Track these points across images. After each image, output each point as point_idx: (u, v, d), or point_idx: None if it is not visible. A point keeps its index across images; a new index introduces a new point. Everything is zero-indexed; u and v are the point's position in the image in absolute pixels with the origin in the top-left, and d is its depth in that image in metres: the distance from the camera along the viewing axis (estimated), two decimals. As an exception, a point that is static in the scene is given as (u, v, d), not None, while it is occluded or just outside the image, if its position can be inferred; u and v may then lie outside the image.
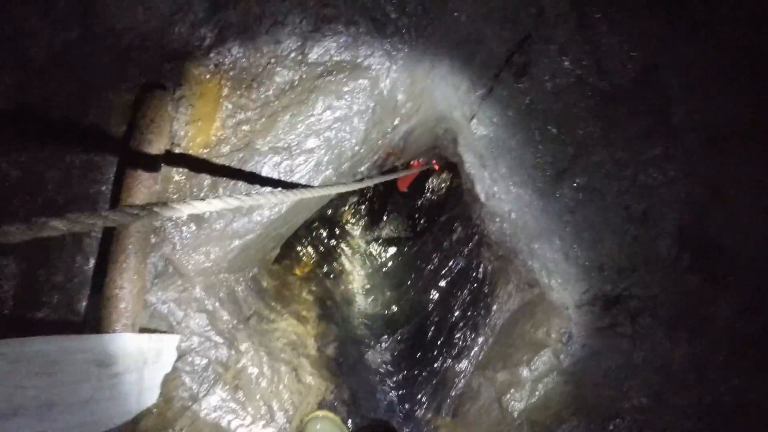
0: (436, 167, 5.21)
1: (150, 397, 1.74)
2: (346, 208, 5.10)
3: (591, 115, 1.61)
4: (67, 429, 1.25)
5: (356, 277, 4.57)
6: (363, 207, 5.27)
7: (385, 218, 5.34)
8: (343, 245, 4.73)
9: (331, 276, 4.23)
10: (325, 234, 4.56)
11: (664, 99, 1.45)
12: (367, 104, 2.09)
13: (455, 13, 1.87)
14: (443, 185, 5.47)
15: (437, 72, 2.13)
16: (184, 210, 1.31)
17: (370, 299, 4.35)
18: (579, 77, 1.57)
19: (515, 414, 2.43)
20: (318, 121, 2.08)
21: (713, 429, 1.67)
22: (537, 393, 2.39)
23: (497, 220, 2.73)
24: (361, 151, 2.25)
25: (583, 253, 2.11)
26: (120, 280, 1.70)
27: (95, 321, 1.67)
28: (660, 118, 1.49)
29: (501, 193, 2.39)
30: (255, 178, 2.03)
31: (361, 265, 4.76)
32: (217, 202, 1.45)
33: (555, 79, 1.62)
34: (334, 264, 4.42)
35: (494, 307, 3.05)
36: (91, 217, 1.04)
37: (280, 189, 2.00)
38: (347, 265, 4.59)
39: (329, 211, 4.71)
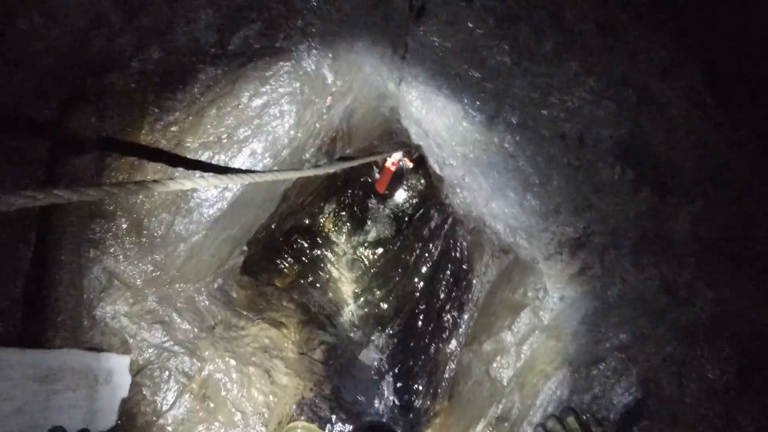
0: (410, 163, 5.20)
1: (105, 420, 1.65)
2: (327, 216, 5.05)
3: (495, 42, 1.57)
4: None
5: (344, 282, 4.48)
6: (344, 214, 5.22)
7: (368, 222, 5.29)
8: (327, 253, 4.65)
9: (317, 285, 4.14)
10: (306, 245, 4.49)
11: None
12: (293, 86, 2.07)
13: (358, -22, 1.87)
14: (422, 180, 5.43)
15: (360, 44, 2.12)
16: (115, 191, 1.27)
17: (360, 301, 4.25)
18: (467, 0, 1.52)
19: (504, 381, 2.30)
20: (246, 110, 2.05)
21: (694, 349, 1.56)
22: (522, 355, 2.27)
23: (457, 190, 2.66)
24: (299, 135, 2.21)
25: (536, 200, 2.04)
26: (53, 293, 1.64)
27: (35, 338, 1.61)
28: (558, 26, 1.44)
29: (449, 158, 2.34)
30: (189, 175, 1.99)
31: (348, 269, 4.68)
32: (154, 185, 1.41)
33: (447, 7, 1.58)
34: (320, 273, 4.34)
35: (474, 282, 2.95)
36: (19, 198, 1.00)
37: (212, 174, 1.95)
38: (334, 272, 4.51)
39: (307, 221, 4.66)
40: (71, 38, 2.00)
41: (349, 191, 5.39)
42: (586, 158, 1.68)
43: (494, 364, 2.38)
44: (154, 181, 1.44)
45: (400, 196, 5.48)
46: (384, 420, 2.87)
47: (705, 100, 1.33)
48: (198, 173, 1.95)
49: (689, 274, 1.62)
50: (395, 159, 5.04)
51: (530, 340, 2.28)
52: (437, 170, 2.63)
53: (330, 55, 2.09)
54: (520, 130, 1.78)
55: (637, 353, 1.75)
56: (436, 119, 2.13)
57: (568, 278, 2.15)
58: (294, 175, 2.26)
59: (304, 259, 4.32)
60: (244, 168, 2.07)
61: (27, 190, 1.06)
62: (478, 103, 1.76)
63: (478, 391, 2.52)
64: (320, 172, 2.53)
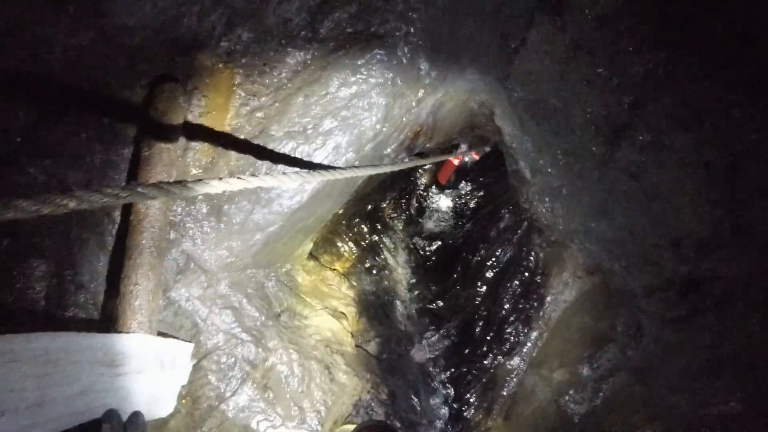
0: (477, 156, 4.89)
1: (164, 407, 1.67)
2: (387, 202, 4.93)
3: (651, 46, 1.29)
4: (57, 420, 1.19)
5: (400, 272, 4.39)
6: (404, 201, 5.07)
7: (427, 211, 5.12)
8: (385, 240, 4.57)
9: (374, 271, 4.08)
10: (366, 230, 4.42)
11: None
12: (385, 76, 1.91)
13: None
14: (488, 173, 5.12)
15: (463, 30, 1.89)
16: (198, 189, 1.20)
17: (414, 294, 4.15)
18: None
19: (576, 418, 2.11)
20: (333, 100, 1.93)
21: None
22: (601, 394, 2.06)
23: (547, 199, 2.41)
24: (384, 129, 2.06)
25: (652, 229, 1.77)
26: (134, 277, 1.65)
27: (111, 319, 1.64)
28: (743, 39, 1.15)
29: (548, 165, 2.09)
30: (272, 166, 1.92)
31: (405, 259, 4.57)
32: (234, 181, 1.32)
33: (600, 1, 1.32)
34: (377, 259, 4.27)
35: (548, 299, 2.73)
36: (101, 196, 0.96)
37: (296, 170, 1.87)
38: (390, 260, 4.42)
39: (369, 207, 4.57)
40: (162, 15, 1.94)
41: (412, 178, 5.22)
42: (732, 195, 1.39)
43: (566, 397, 2.19)
44: (238, 178, 1.35)
45: (465, 188, 5.21)
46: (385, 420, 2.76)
47: None
48: (281, 168, 1.87)
49: None
50: (459, 155, 4.76)
51: (612, 379, 2.06)
52: (527, 175, 2.38)
53: (429, 44, 1.89)
54: (652, 150, 1.51)
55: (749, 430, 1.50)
56: (543, 122, 1.88)
57: (671, 320, 1.88)
58: (372, 172, 2.11)
59: (363, 243, 4.26)
60: (325, 162, 1.96)
61: (110, 187, 1.00)
62: (604, 113, 1.50)
63: (542, 419, 2.36)
64: (396, 168, 2.37)
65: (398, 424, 2.36)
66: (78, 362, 1.25)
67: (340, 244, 3.91)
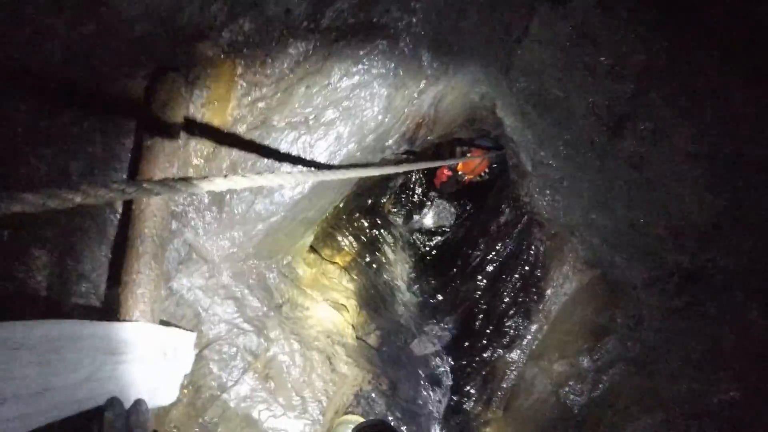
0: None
1: (166, 395, 1.67)
2: (388, 197, 4.93)
3: (655, 33, 1.29)
4: (60, 407, 1.19)
5: (400, 266, 4.40)
6: (404, 196, 5.08)
7: (428, 206, 5.12)
8: (385, 234, 4.57)
9: (374, 265, 4.09)
10: (366, 224, 4.42)
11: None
12: (387, 67, 1.91)
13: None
14: (488, 169, 5.12)
15: (466, 21, 1.89)
16: (203, 186, 1.20)
17: (414, 288, 4.16)
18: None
19: (575, 409, 2.13)
20: (335, 90, 1.93)
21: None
22: (600, 386, 2.07)
23: (548, 191, 2.42)
24: (386, 120, 2.06)
25: (653, 219, 1.78)
26: (137, 265, 1.65)
27: (113, 307, 1.64)
28: (745, 25, 1.15)
29: (549, 157, 2.10)
30: (274, 156, 1.92)
31: (405, 253, 4.58)
32: (238, 180, 1.32)
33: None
34: (377, 253, 4.28)
35: (548, 292, 2.73)
36: (107, 191, 0.96)
37: (300, 169, 1.87)
38: (390, 254, 4.43)
39: (369, 201, 4.58)
40: (163, 6, 1.94)
41: (411, 174, 5.22)
42: (737, 183, 1.40)
43: (565, 389, 2.20)
44: (243, 176, 1.35)
45: (466, 184, 5.21)
46: (384, 419, 2.77)
47: None
48: (283, 159, 1.87)
49: None
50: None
51: (612, 371, 2.07)
52: (528, 167, 2.39)
53: (431, 35, 1.89)
54: (654, 139, 1.51)
55: (752, 419, 1.51)
56: (545, 113, 1.89)
57: (671, 311, 1.89)
58: (375, 173, 2.11)
59: (363, 238, 4.27)
60: (327, 152, 1.97)
61: (116, 183, 1.00)
62: (606, 103, 1.51)
63: (541, 411, 2.37)
64: (400, 170, 2.37)
65: (399, 415, 2.38)
66: (80, 350, 1.25)
67: (340, 238, 3.91)
